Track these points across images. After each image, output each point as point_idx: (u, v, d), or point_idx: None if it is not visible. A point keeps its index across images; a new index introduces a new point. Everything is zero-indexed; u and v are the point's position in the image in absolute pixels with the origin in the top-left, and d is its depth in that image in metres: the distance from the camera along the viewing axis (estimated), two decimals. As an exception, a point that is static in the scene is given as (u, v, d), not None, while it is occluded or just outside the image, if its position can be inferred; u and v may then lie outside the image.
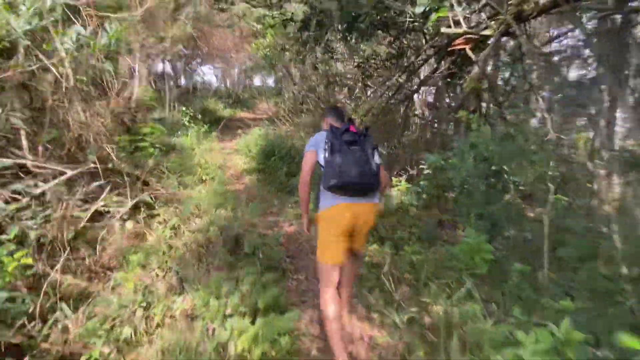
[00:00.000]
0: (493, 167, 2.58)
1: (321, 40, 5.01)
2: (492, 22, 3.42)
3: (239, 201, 4.76)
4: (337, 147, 1.89)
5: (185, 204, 3.48)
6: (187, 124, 8.84)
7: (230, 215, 3.68)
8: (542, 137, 3.30)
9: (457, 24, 3.50)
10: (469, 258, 2.90)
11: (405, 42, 4.48)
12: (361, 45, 6.21)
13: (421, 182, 5.10)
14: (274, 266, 2.92)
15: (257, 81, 20.38)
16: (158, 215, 3.33)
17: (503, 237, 3.50)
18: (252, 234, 3.32)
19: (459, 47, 3.77)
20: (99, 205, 2.91)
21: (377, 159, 1.99)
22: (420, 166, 5.37)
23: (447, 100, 5.98)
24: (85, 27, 2.16)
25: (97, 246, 2.62)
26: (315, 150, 2.06)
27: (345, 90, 7.49)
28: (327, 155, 1.90)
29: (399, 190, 5.30)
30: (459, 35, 3.74)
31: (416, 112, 6.14)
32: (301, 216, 2.24)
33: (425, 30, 4.21)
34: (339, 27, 4.36)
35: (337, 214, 1.92)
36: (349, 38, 4.96)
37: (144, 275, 2.57)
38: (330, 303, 1.93)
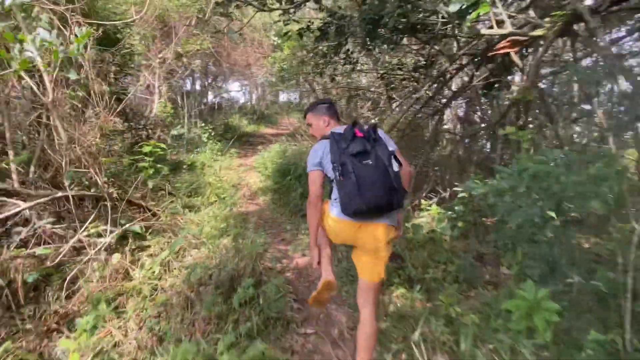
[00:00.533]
0: (564, 204, 1.95)
1: (341, 50, 4.56)
2: (546, 21, 2.81)
3: (246, 227, 4.30)
4: (349, 167, 1.57)
5: (181, 234, 3.05)
6: (205, 140, 8.65)
7: (232, 246, 3.21)
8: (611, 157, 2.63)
9: (500, 24, 2.92)
10: (526, 317, 2.24)
11: (438, 47, 3.93)
12: (385, 57, 5.75)
13: (456, 207, 4.45)
14: (276, 317, 2.39)
15: (282, 97, 20.38)
16: (149, 247, 2.91)
17: (564, 284, 2.79)
18: (253, 273, 2.82)
19: (501, 52, 3.17)
20: (76, 238, 2.52)
21: (395, 166, 1.64)
22: (454, 188, 4.73)
23: (481, 113, 5.32)
24: (51, 32, 1.80)
25: (65, 290, 2.21)
26: (321, 170, 1.78)
27: (369, 104, 6.99)
28: (338, 176, 1.61)
29: (429, 214, 4.67)
30: (502, 38, 3.15)
31: (446, 127, 5.52)
32: (310, 247, 1.93)
33: (459, 35, 3.65)
34: (361, 34, 3.90)
35: (341, 230, 1.76)
36: (371, 47, 4.48)
37: (115, 326, 2.12)
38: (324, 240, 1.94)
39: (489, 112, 5.92)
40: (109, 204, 2.64)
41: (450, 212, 4.47)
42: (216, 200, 4.80)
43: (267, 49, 8.85)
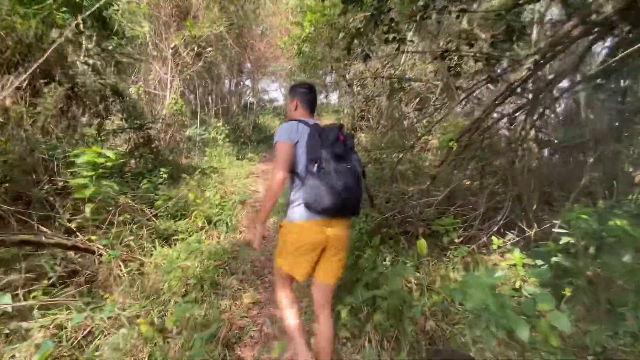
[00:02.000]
0: None
1: (381, 21, 3.12)
2: None
3: (236, 268, 3.02)
4: (331, 165, 1.54)
5: (73, 320, 1.80)
6: (221, 142, 7.59)
7: (188, 323, 1.93)
8: None
9: None
10: None
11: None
12: (439, 35, 4.20)
13: (554, 259, 2.87)
14: None
15: (320, 99, 19.46)
16: (32, 329, 1.71)
17: None
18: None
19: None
20: None
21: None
22: (548, 224, 3.12)
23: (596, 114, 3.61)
24: None
25: None
26: (294, 145, 1.61)
27: (416, 101, 5.46)
28: (315, 170, 1.55)
29: (508, 265, 3.13)
30: None
31: (534, 133, 3.85)
32: (254, 225, 1.77)
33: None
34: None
35: (310, 232, 1.60)
36: (426, 14, 3.01)
37: None
38: (288, 301, 1.79)
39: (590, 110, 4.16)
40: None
41: (544, 264, 2.91)
42: (204, 227, 3.57)
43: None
